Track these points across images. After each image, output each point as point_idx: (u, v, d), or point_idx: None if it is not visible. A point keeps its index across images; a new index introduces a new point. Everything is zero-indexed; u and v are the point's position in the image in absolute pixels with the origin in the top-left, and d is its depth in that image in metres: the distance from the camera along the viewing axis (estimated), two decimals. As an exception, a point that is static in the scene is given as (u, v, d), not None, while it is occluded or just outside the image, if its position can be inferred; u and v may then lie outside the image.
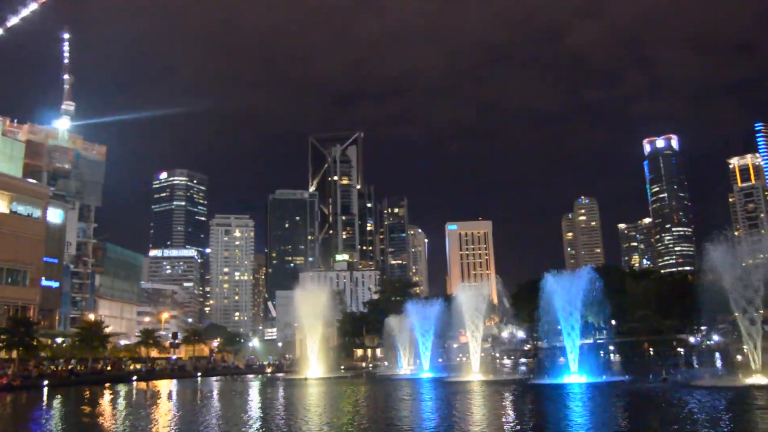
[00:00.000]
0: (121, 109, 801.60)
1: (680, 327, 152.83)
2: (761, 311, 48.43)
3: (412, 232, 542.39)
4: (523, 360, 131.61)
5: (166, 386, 79.28)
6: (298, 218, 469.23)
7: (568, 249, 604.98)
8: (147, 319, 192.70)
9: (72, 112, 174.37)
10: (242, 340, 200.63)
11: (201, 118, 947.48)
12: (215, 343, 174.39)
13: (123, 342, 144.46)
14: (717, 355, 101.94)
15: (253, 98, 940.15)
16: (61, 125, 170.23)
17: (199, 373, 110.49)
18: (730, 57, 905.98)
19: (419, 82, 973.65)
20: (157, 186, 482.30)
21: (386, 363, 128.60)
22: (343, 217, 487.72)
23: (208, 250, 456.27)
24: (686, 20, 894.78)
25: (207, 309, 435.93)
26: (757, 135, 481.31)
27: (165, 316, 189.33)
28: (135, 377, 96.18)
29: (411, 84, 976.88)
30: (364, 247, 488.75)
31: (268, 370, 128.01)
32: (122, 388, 74.85)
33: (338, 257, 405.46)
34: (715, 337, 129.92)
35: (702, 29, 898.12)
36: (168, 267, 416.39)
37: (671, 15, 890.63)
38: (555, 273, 60.27)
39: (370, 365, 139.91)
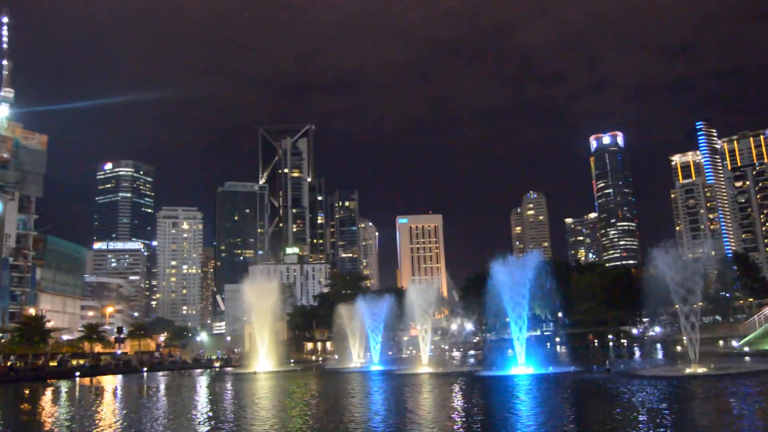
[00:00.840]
0: (64, 97, 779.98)
1: (624, 319, 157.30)
2: (700, 303, 50.04)
3: (362, 225, 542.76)
4: (471, 352, 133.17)
5: (111, 382, 77.42)
6: (247, 211, 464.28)
7: (517, 243, 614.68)
8: (91, 313, 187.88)
9: (11, 99, 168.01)
10: (190, 335, 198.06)
11: (147, 108, 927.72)
12: (162, 337, 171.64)
13: (65, 337, 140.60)
14: (658, 346, 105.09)
15: (202, 88, 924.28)
16: (0, 112, 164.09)
17: (145, 369, 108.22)
18: (672, 57, 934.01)
19: (370, 76, 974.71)
20: (101, 177, 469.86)
21: (336, 356, 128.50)
22: (294, 210, 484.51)
23: (154, 243, 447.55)
24: (630, 21, 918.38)
25: (154, 303, 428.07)
26: (698, 133, 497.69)
27: (110, 310, 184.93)
28: (78, 373, 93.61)
29: (362, 77, 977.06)
30: (315, 241, 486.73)
31: (217, 364, 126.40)
32: (64, 385, 72.77)
33: (288, 250, 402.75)
34: (657, 329, 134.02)
35: (645, 30, 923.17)
36: (113, 260, 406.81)
37: (616, 16, 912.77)
38: (502, 258, 60.86)
39: (320, 359, 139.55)
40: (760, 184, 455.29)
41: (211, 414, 37.48)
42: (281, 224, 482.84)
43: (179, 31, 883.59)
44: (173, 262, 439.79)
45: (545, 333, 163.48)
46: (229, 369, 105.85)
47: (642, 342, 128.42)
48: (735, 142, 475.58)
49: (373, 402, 41.27)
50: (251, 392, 53.21)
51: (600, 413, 28.83)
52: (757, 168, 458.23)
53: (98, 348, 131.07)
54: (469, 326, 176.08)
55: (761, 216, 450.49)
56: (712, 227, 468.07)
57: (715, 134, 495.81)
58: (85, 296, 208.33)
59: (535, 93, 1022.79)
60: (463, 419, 29.44)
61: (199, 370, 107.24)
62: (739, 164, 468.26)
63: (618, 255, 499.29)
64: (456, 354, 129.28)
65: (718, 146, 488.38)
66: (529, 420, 27.96)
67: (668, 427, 23.47)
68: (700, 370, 46.04)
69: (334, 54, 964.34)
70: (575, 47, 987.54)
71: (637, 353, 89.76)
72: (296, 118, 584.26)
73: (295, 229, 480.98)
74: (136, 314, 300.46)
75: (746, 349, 68.66)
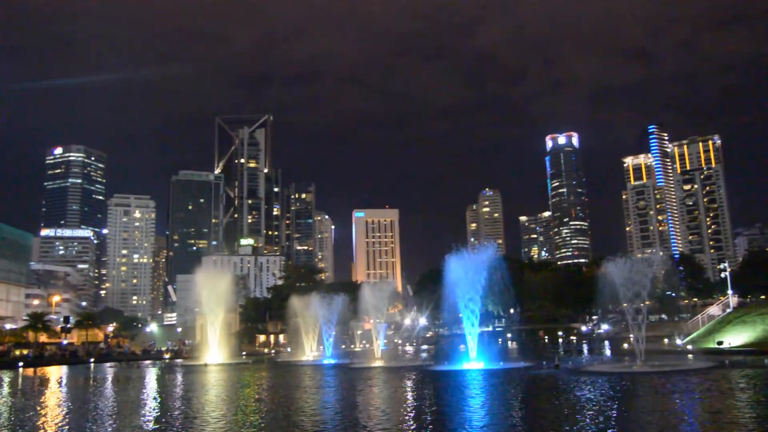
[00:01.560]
0: (11, 78, 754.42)
1: (574, 316, 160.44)
2: (647, 303, 51.30)
3: (318, 218, 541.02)
4: (424, 347, 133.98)
5: (56, 373, 75.46)
6: (202, 201, 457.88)
7: (472, 239, 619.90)
8: (36, 302, 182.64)
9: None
10: (140, 325, 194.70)
11: (101, 93, 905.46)
12: (111, 327, 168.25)
13: (9, 326, 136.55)
14: (606, 343, 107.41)
15: (159, 75, 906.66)
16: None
17: (92, 359, 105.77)
18: (628, 62, 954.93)
19: (330, 69, 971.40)
20: (50, 162, 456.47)
21: (289, 349, 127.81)
22: (249, 201, 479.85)
23: (105, 231, 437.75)
24: (589, 25, 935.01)
25: (103, 292, 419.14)
26: (650, 137, 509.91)
27: (56, 299, 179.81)
28: (21, 363, 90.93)
29: (322, 70, 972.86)
30: (270, 232, 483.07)
31: (167, 356, 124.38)
32: (6, 375, 70.65)
33: (243, 241, 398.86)
34: (605, 327, 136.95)
35: (603, 34, 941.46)
36: (61, 247, 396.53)
37: (575, 19, 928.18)
38: (457, 254, 61.27)
39: (273, 351, 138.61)
40: (707, 188, 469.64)
41: (159, 406, 36.84)
42: (236, 215, 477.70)
43: (137, 14, 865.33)
44: (124, 251, 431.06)
45: (497, 329, 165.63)
46: (179, 361, 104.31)
47: (591, 339, 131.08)
48: (685, 146, 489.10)
49: (325, 395, 41.15)
50: (201, 384, 52.50)
51: (547, 408, 29.28)
52: (705, 172, 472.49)
53: (43, 338, 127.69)
54: (423, 321, 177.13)
55: (707, 219, 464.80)
56: (660, 228, 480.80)
57: (667, 138, 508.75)
58: (31, 284, 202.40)
59: (494, 91, 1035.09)
60: (413, 412, 29.56)
61: (148, 362, 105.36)
62: (688, 168, 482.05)
63: (570, 253, 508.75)
64: (409, 348, 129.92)
65: (668, 150, 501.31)
66: (477, 414, 28.23)
67: (611, 421, 23.97)
68: (646, 367, 47.25)
69: (295, 45, 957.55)
70: (534, 48, 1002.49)
71: (586, 350, 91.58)
72: (254, 109, 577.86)
73: (250, 221, 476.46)
74: (84, 304, 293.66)
75: (690, 347, 70.71)
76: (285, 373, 64.25)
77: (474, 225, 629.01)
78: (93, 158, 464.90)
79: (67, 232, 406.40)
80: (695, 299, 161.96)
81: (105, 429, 27.10)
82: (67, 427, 27.93)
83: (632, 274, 50.45)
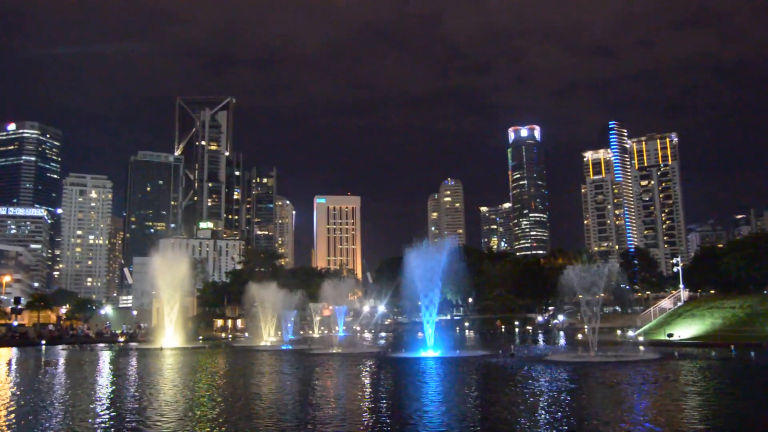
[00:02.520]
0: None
1: (531, 306, 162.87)
2: (601, 295, 52.34)
3: (280, 203, 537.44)
4: (383, 334, 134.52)
5: (5, 355, 73.64)
6: (161, 182, 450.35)
7: (432, 228, 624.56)
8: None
9: None
10: (94, 308, 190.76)
11: (57, 68, 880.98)
12: (63, 309, 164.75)
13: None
14: (561, 333, 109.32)
15: (117, 52, 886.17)
16: None
17: (43, 342, 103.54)
18: (591, 58, 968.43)
19: (294, 53, 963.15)
20: (3, 138, 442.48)
21: (247, 334, 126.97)
22: (210, 184, 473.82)
23: (59, 211, 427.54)
24: (553, 20, 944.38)
25: (56, 273, 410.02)
26: (610, 132, 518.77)
27: (7, 279, 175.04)
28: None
29: (287, 54, 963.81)
30: (230, 216, 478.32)
31: (121, 339, 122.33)
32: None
33: (202, 225, 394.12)
34: (561, 317, 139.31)
35: (567, 30, 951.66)
36: (13, 226, 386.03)
37: (540, 13, 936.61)
38: (417, 244, 61.54)
39: (230, 336, 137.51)
40: (663, 184, 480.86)
41: (111, 390, 36.28)
42: (196, 198, 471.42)
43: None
44: (79, 232, 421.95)
45: (455, 317, 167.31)
46: (134, 344, 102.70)
47: (546, 329, 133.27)
48: (643, 142, 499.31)
49: (282, 380, 41.03)
50: (156, 368, 51.86)
51: (501, 395, 29.70)
52: (662, 168, 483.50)
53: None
54: (382, 308, 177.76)
55: (662, 214, 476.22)
56: (617, 222, 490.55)
57: (626, 134, 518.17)
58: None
59: (459, 82, 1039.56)
60: (369, 397, 29.70)
61: (102, 345, 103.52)
62: (645, 164, 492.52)
63: (529, 245, 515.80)
64: (367, 335, 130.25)
65: (627, 146, 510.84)
66: (431, 399, 28.51)
67: (563, 407, 24.44)
68: (598, 357, 48.28)
69: (260, 28, 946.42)
70: (500, 40, 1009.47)
71: (541, 340, 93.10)
72: (217, 91, 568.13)
73: (210, 204, 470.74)
74: (36, 284, 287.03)
75: (641, 338, 72.48)
76: (242, 358, 63.85)
77: (435, 214, 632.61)
78: (48, 135, 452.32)
79: (20, 211, 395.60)
80: (648, 292, 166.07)
81: (52, 414, 26.55)
82: (13, 415, 27.23)
83: (589, 276, 51.44)
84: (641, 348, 60.94)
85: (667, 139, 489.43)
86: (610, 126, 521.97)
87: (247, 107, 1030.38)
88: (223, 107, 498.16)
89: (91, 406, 28.67)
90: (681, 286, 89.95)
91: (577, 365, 43.87)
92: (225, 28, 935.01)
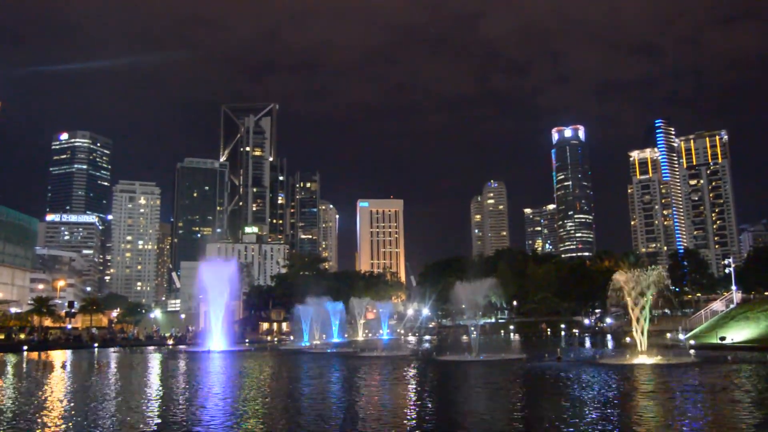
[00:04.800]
0: (18, 62, 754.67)
1: (576, 309, 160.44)
2: (650, 297, 51.32)
3: (323, 207, 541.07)
4: (427, 337, 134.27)
5: (60, 357, 75.96)
6: (207, 188, 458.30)
7: (476, 231, 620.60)
8: (41, 286, 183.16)
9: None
10: (144, 311, 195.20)
11: (106, 79, 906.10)
12: (114, 313, 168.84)
13: (14, 310, 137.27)
14: (609, 336, 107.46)
15: (164, 62, 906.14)
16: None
17: (95, 344, 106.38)
18: (634, 56, 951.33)
19: (334, 58, 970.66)
20: (56, 147, 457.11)
21: (292, 337, 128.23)
22: (254, 189, 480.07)
23: (110, 217, 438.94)
24: (594, 18, 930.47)
25: (107, 278, 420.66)
26: (657, 131, 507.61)
27: (61, 284, 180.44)
28: (26, 347, 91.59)
29: (325, 59, 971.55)
30: (274, 221, 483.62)
31: (170, 342, 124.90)
32: (12, 358, 71.17)
33: (247, 229, 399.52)
34: (608, 320, 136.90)
35: (609, 28, 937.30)
36: (66, 233, 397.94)
37: (581, 12, 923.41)
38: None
39: (276, 339, 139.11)
40: (713, 183, 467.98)
41: (162, 391, 37.14)
42: (241, 203, 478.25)
43: (142, 1, 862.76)
44: (129, 237, 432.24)
45: (500, 320, 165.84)
46: (182, 347, 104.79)
47: (593, 332, 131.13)
48: (692, 141, 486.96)
49: (328, 382, 41.36)
50: (205, 371, 52.81)
51: (548, 400, 29.42)
52: (711, 167, 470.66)
53: (48, 322, 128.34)
54: (426, 311, 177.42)
55: (713, 214, 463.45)
56: (665, 223, 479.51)
57: (673, 132, 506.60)
58: (36, 269, 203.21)
59: (499, 84, 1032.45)
60: (415, 400, 29.76)
61: (151, 348, 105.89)
62: (694, 163, 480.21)
63: (574, 246, 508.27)
64: (412, 338, 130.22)
65: (675, 144, 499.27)
66: (478, 404, 28.42)
67: (612, 412, 24.10)
68: (649, 360, 47.37)
69: (298, 34, 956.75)
70: (539, 41, 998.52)
71: (588, 343, 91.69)
72: (258, 97, 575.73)
73: (254, 209, 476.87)
74: (88, 289, 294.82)
75: (692, 342, 70.73)
76: (288, 361, 64.52)
77: (478, 217, 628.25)
78: (98, 144, 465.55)
79: (73, 218, 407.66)
80: (698, 294, 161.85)
81: (107, 412, 27.33)
82: (72, 410, 28.16)
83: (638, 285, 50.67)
84: (692, 351, 59.55)
85: (717, 137, 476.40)
86: (657, 124, 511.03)
87: (289, 113, 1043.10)
88: (266, 113, 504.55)
89: (144, 404, 29.43)
90: (733, 287, 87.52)
91: (624, 368, 43.18)
92: (264, 35, 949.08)
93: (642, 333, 50.76)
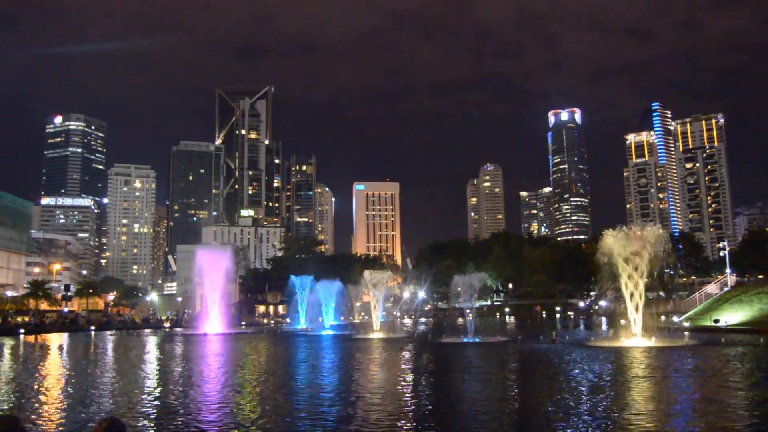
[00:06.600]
0: (11, 45, 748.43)
1: (571, 292, 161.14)
2: (645, 280, 51.57)
3: (319, 190, 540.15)
4: (422, 320, 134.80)
5: (57, 340, 76.12)
6: (202, 171, 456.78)
7: (472, 214, 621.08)
8: (37, 270, 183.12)
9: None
10: (140, 294, 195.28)
11: (101, 62, 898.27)
12: (111, 296, 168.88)
13: (10, 293, 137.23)
14: (603, 319, 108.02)
15: (157, 44, 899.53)
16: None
17: (92, 327, 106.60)
18: (628, 40, 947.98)
19: (326, 42, 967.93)
20: (50, 131, 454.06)
21: (288, 320, 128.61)
22: (250, 172, 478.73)
23: (105, 200, 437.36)
24: (588, 2, 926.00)
25: (103, 261, 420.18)
26: (653, 114, 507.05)
27: (57, 267, 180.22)
28: (22, 330, 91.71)
29: (318, 43, 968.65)
30: (270, 204, 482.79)
31: (166, 325, 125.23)
32: (8, 341, 71.30)
33: (243, 212, 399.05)
34: (603, 303, 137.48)
35: (603, 12, 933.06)
36: (61, 216, 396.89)
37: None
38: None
39: (272, 322, 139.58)
40: (708, 167, 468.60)
41: (159, 372, 37.33)
42: (236, 186, 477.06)
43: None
44: (124, 221, 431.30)
45: (496, 303, 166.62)
46: (179, 330, 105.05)
47: (588, 315, 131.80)
48: (688, 124, 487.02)
49: (323, 363, 41.57)
50: (201, 353, 53.01)
51: (542, 379, 29.65)
52: (707, 151, 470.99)
53: (44, 305, 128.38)
54: (422, 294, 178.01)
55: (708, 197, 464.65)
56: (661, 206, 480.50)
57: (669, 116, 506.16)
58: (31, 252, 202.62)
59: (493, 67, 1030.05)
60: (411, 382, 29.93)
61: (148, 331, 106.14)
62: (690, 146, 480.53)
63: (570, 230, 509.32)
64: (407, 321, 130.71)
65: (671, 128, 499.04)
66: (474, 385, 28.62)
67: (604, 391, 24.32)
68: (643, 342, 47.70)
69: (291, 18, 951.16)
70: (534, 24, 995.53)
71: (583, 325, 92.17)
72: (253, 80, 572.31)
73: (250, 192, 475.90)
74: (84, 272, 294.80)
75: (686, 324, 71.16)
76: (284, 343, 64.78)
77: (474, 200, 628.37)
78: (93, 127, 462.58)
79: (68, 201, 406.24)
80: (693, 277, 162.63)
81: (105, 394, 27.44)
82: (70, 390, 28.27)
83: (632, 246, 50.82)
84: (686, 334, 59.95)
85: (713, 120, 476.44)
86: (653, 108, 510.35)
87: (284, 96, 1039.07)
88: (262, 96, 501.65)
89: (141, 384, 29.58)
90: (728, 270, 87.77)
91: (618, 350, 43.51)
92: (258, 18, 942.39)
93: (636, 310, 51.05)
